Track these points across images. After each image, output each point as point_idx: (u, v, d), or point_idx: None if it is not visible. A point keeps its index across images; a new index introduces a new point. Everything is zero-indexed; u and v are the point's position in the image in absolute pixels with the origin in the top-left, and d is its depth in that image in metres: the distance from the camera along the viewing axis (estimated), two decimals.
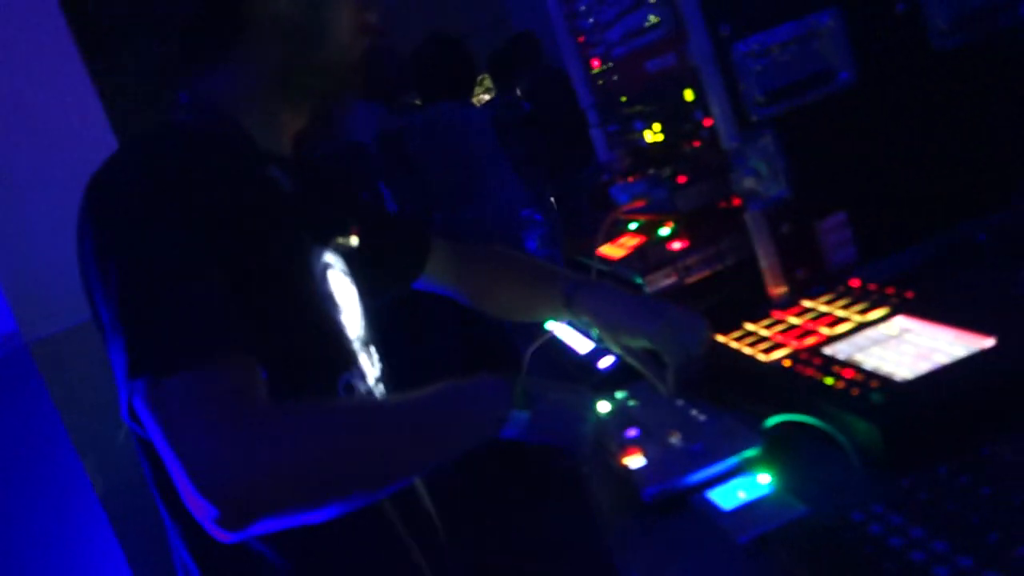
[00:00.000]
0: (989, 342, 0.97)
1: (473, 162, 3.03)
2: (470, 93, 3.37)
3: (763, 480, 0.96)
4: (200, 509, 0.78)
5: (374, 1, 1.07)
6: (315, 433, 0.85)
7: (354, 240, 1.15)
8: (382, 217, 1.48)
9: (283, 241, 1.00)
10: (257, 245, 0.95)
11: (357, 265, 1.16)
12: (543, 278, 1.36)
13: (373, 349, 1.15)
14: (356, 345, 1.08)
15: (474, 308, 1.43)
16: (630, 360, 1.25)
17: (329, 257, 1.09)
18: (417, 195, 3.07)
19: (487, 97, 6.21)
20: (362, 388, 1.06)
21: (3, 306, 2.18)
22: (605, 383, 1.40)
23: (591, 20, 1.76)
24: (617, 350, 1.26)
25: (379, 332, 1.18)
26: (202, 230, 0.89)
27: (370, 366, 1.12)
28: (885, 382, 0.97)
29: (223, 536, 0.80)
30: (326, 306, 1.04)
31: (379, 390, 1.12)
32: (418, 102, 3.28)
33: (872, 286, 1.28)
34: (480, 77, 5.11)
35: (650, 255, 1.57)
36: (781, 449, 1.01)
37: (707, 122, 1.45)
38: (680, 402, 1.21)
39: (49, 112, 2.26)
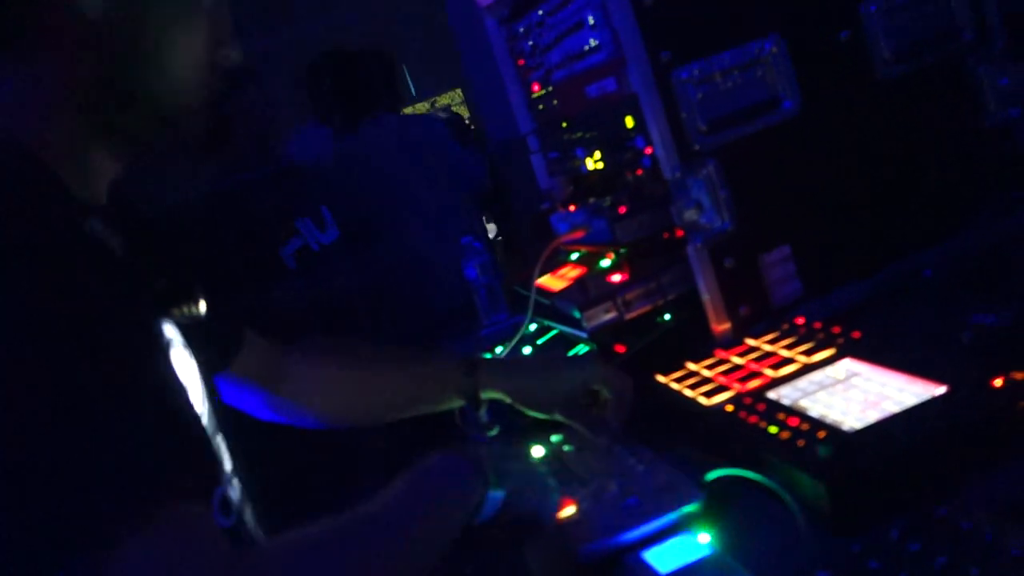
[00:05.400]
0: (941, 390, 0.91)
1: (421, 179, 2.93)
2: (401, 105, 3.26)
3: (703, 540, 0.89)
4: None
5: (230, 37, 0.87)
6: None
7: (202, 306, 0.91)
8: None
9: (128, 321, 0.74)
10: (109, 334, 0.70)
11: (200, 337, 0.93)
12: (416, 364, 1.23)
13: (223, 439, 0.94)
14: (216, 440, 0.91)
15: (306, 421, 1.23)
16: (560, 418, 1.20)
17: (169, 331, 0.86)
18: (359, 220, 2.97)
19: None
20: (236, 498, 0.89)
21: None
22: (539, 425, 1.33)
23: (530, 43, 1.70)
24: (540, 415, 1.21)
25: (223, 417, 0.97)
26: (72, 337, 0.67)
27: (229, 463, 0.93)
28: (832, 432, 0.91)
29: None
30: (186, 398, 0.81)
31: (236, 489, 0.93)
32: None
33: (817, 324, 1.23)
34: None
35: (590, 288, 1.50)
36: (723, 505, 0.94)
37: (648, 151, 1.39)
38: (618, 448, 1.13)
39: None
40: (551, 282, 1.67)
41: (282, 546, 0.77)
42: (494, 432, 1.28)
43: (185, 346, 0.90)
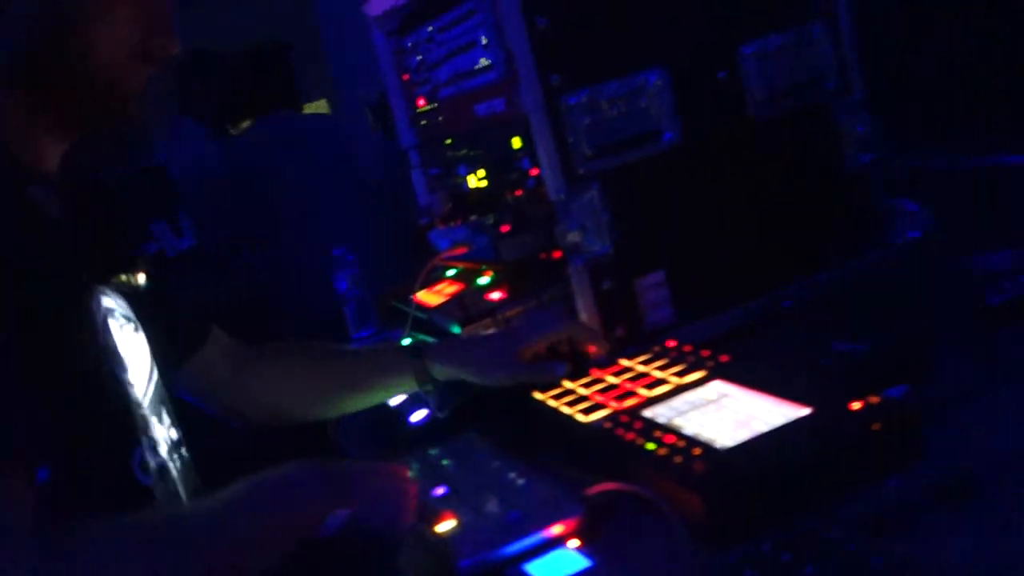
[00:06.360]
0: (805, 411, 0.97)
1: (307, 183, 2.82)
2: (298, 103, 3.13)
3: (584, 552, 0.91)
4: None
5: (169, 27, 0.91)
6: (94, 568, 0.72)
7: (142, 278, 0.99)
8: (158, 289, 1.17)
9: (51, 282, 0.82)
10: (17, 292, 0.77)
11: (148, 309, 1.00)
12: (365, 355, 1.30)
13: (166, 411, 1.00)
14: (146, 408, 0.94)
15: (265, 417, 1.27)
16: (521, 380, 1.21)
17: (109, 301, 0.92)
18: (226, 227, 2.85)
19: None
20: (154, 463, 0.92)
21: None
22: (417, 438, 1.32)
23: (418, 58, 1.70)
24: (494, 383, 1.22)
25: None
26: None
27: (163, 432, 0.97)
28: (707, 449, 0.95)
29: None
30: (110, 365, 0.88)
31: (176, 462, 0.98)
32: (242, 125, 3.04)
33: (688, 348, 1.28)
34: None
35: (469, 304, 1.51)
36: (603, 518, 0.96)
37: (534, 172, 1.42)
38: (496, 463, 1.14)
39: None
40: (428, 297, 1.67)
41: (100, 534, 0.76)
42: (445, 413, 1.28)
43: (132, 319, 0.95)
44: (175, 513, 0.85)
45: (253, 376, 1.25)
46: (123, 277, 0.97)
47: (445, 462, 1.20)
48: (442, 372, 1.24)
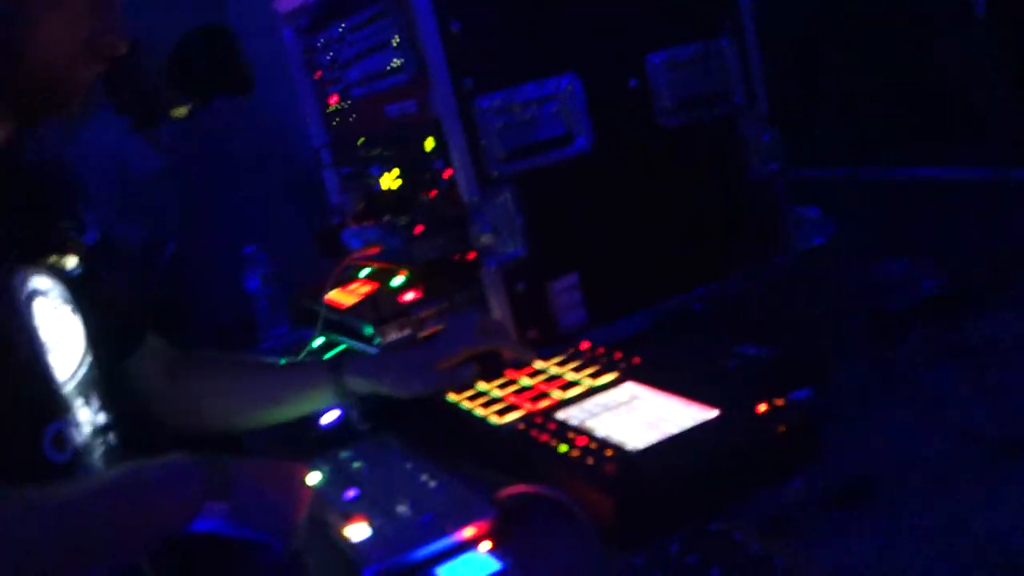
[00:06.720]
0: (713, 413, 0.99)
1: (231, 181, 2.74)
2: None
3: (495, 555, 0.91)
4: None
5: (118, 24, 0.94)
6: None
7: (72, 261, 1.00)
8: (94, 278, 1.19)
9: None
10: None
11: (84, 295, 1.02)
12: (286, 370, 1.32)
13: (96, 395, 1.01)
14: (69, 389, 0.95)
15: (189, 425, 1.28)
16: (436, 390, 1.22)
17: (42, 282, 0.95)
18: (142, 222, 2.75)
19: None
20: (77, 440, 0.94)
21: None
22: (327, 441, 1.30)
23: (330, 56, 1.68)
24: (410, 395, 1.22)
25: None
26: None
27: (89, 414, 0.98)
28: (618, 451, 0.97)
29: None
30: (25, 342, 0.90)
31: (99, 445, 0.99)
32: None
33: (601, 350, 1.30)
34: None
35: (382, 305, 1.50)
36: (515, 520, 0.97)
37: (447, 173, 1.41)
38: (409, 465, 1.14)
39: None
40: (340, 297, 1.65)
41: None
42: (366, 427, 1.28)
43: (66, 300, 0.98)
44: (54, 490, 0.84)
45: (181, 386, 1.25)
46: (52, 259, 0.98)
47: (356, 464, 1.18)
48: (359, 385, 1.24)
